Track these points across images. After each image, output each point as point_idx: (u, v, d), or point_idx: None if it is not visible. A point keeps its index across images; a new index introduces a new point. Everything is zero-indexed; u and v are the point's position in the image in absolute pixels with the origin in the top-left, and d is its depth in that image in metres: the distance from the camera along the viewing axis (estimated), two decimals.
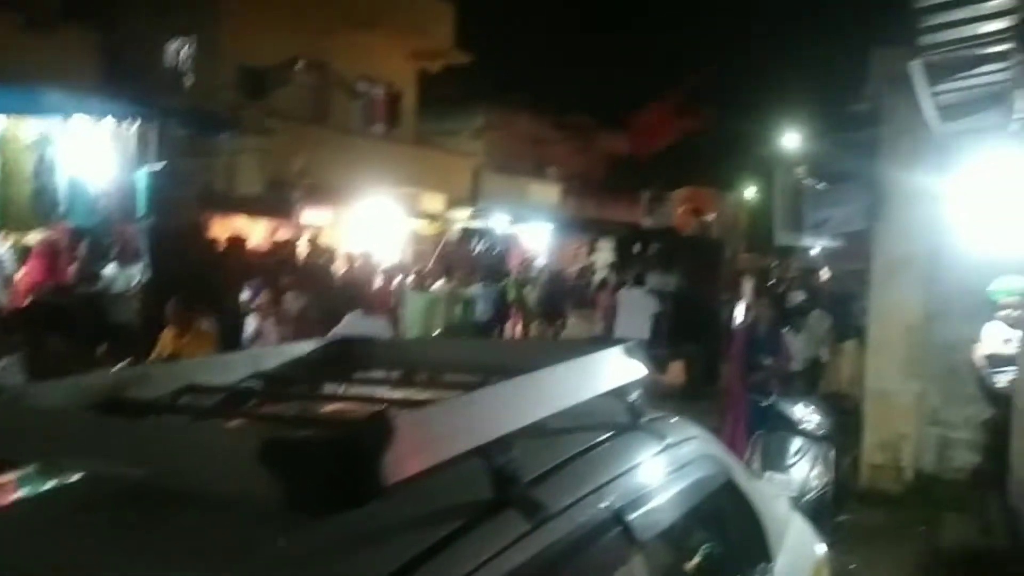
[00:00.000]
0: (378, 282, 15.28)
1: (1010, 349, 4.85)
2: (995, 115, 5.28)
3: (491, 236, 19.79)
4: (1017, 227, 4.73)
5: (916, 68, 4.05)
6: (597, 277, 19.53)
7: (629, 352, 2.32)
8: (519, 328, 16.22)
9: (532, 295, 16.40)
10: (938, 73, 4.28)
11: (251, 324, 9.05)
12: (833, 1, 23.80)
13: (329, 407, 2.29)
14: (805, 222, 8.87)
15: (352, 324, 6.09)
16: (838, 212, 8.63)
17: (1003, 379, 4.89)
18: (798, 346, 9.74)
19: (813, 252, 23.48)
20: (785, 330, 9.05)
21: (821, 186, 9.24)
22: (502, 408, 1.73)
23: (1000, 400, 4.91)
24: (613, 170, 34.10)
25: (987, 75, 4.51)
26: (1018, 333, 5.22)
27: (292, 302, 9.79)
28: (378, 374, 2.88)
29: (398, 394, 2.44)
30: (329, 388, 2.49)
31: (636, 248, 18.02)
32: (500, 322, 15.79)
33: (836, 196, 8.71)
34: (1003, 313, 5.29)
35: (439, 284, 14.79)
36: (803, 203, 8.89)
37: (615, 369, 2.23)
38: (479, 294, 15.22)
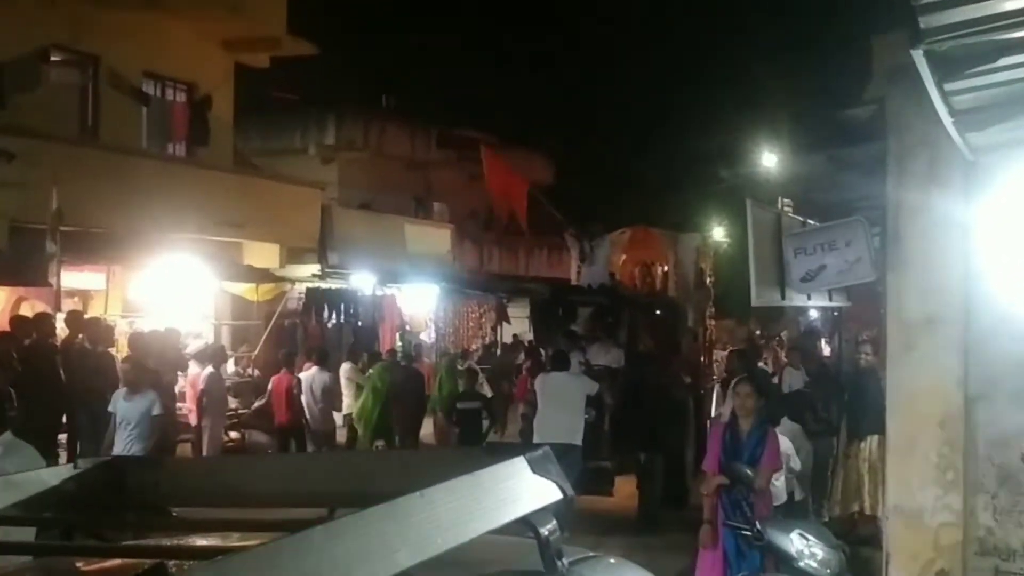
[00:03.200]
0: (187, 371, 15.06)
1: None
2: None
3: (352, 302, 19.75)
4: None
5: (919, 59, 4.29)
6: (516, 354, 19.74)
7: (537, 465, 2.35)
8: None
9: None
10: (948, 66, 4.55)
11: None
12: None
13: (84, 565, 2.22)
14: (791, 274, 9.17)
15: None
16: (834, 259, 8.96)
17: None
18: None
19: (813, 315, 24.43)
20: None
21: (811, 223, 9.60)
22: (348, 554, 1.72)
23: None
24: (527, 205, 34.83)
25: (1012, 69, 4.82)
26: None
27: None
28: (168, 510, 2.82)
29: (192, 540, 2.38)
30: (84, 535, 2.41)
31: (562, 313, 18.27)
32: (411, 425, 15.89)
33: (831, 236, 9.06)
34: None
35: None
36: (787, 247, 9.19)
37: (516, 491, 2.25)
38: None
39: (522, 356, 19.30)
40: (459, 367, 17.36)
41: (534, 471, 2.37)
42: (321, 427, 15.02)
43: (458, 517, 2.02)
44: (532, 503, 2.32)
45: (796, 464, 9.91)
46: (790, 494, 10.36)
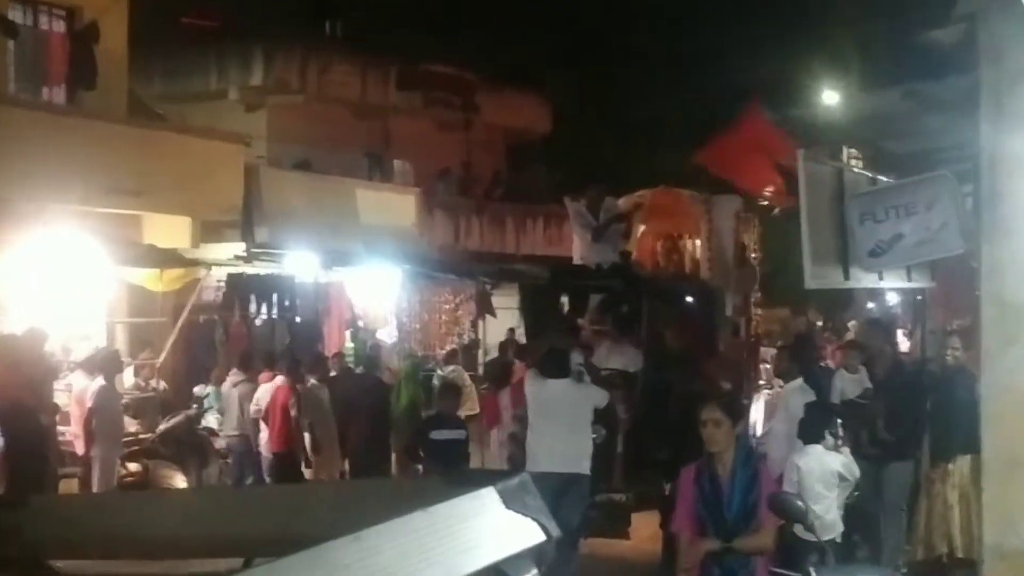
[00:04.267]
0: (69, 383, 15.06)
1: None
2: None
3: (287, 291, 19.72)
4: None
5: None
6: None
7: (511, 497, 2.36)
8: None
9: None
10: None
11: None
12: None
13: None
14: (857, 247, 9.21)
15: None
16: (913, 226, 9.01)
17: None
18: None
19: (891, 301, 24.39)
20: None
21: (882, 180, 9.64)
22: None
23: None
24: (515, 162, 34.76)
25: None
26: None
27: None
28: (46, 564, 2.85)
29: None
30: None
31: (568, 304, 18.32)
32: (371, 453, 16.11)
33: (909, 197, 9.10)
34: None
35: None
36: (852, 212, 9.24)
37: (484, 532, 2.26)
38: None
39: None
40: (439, 375, 17.35)
41: (508, 505, 2.38)
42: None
43: (405, 565, 2.03)
44: (504, 547, 2.33)
45: (852, 477, 9.95)
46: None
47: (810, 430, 10.05)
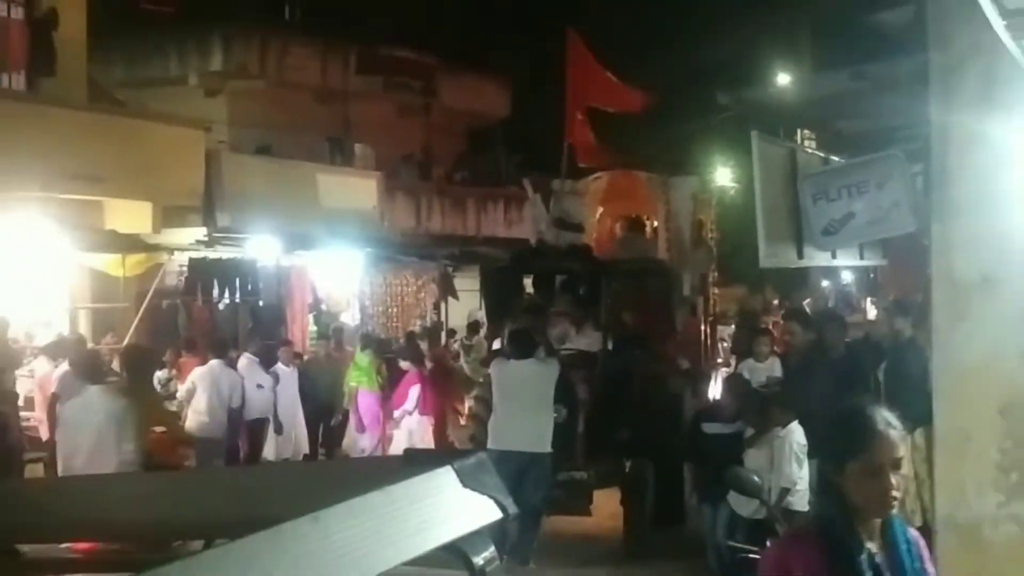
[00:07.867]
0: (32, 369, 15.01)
1: None
2: None
3: (249, 275, 19.67)
4: None
5: None
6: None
7: (469, 476, 2.37)
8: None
9: None
10: None
11: None
12: None
13: None
14: (810, 226, 9.27)
15: None
16: (865, 205, 9.07)
17: None
18: None
19: (846, 279, 24.60)
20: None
21: (835, 160, 9.69)
22: None
23: None
24: (475, 146, 34.69)
25: None
26: None
27: None
28: (14, 549, 2.84)
29: None
30: None
31: (526, 284, 18.33)
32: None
33: (861, 176, 9.16)
34: None
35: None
36: (805, 192, 9.30)
37: (441, 510, 2.27)
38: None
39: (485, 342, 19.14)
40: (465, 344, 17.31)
41: (465, 484, 2.39)
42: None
43: (364, 545, 2.03)
44: (462, 525, 2.34)
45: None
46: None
47: None
